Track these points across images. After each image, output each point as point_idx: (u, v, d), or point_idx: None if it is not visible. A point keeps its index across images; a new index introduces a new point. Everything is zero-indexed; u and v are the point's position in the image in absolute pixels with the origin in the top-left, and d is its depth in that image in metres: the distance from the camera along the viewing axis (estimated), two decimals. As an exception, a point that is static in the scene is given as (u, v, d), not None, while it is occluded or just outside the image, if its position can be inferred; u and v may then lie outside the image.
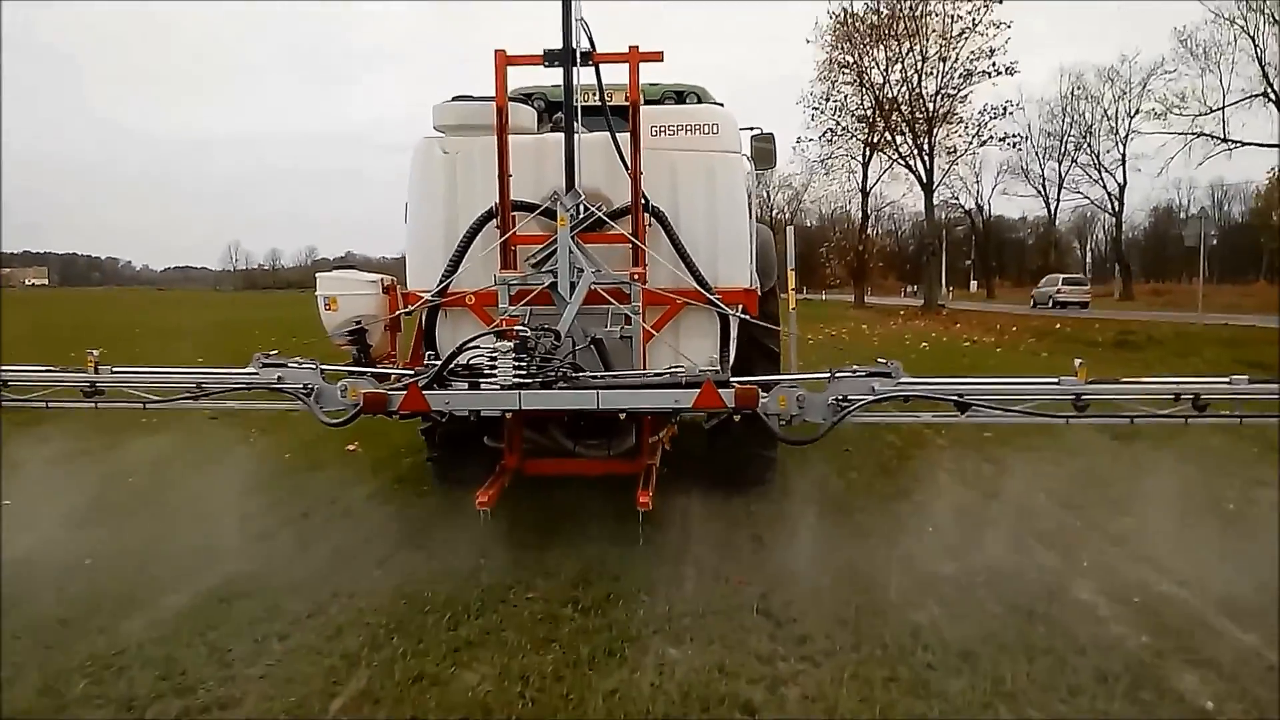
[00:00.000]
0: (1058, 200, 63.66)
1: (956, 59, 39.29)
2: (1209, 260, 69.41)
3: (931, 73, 39.67)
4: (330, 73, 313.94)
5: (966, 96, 40.11)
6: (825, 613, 4.17)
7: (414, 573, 4.73)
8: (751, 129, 6.76)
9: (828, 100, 42.78)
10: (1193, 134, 39.38)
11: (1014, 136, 43.10)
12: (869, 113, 41.78)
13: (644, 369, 4.82)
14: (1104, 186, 56.94)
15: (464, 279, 5.07)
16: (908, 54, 39.94)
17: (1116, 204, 57.37)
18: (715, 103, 6.42)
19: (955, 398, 4.35)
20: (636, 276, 4.84)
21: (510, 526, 5.39)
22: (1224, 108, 37.65)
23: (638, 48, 4.82)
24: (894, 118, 40.44)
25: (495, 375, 4.33)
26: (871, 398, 4.31)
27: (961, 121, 40.38)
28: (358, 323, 5.15)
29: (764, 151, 6.91)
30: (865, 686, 3.49)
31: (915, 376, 4.41)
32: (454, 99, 5.29)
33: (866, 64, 41.01)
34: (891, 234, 75.72)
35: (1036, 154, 58.23)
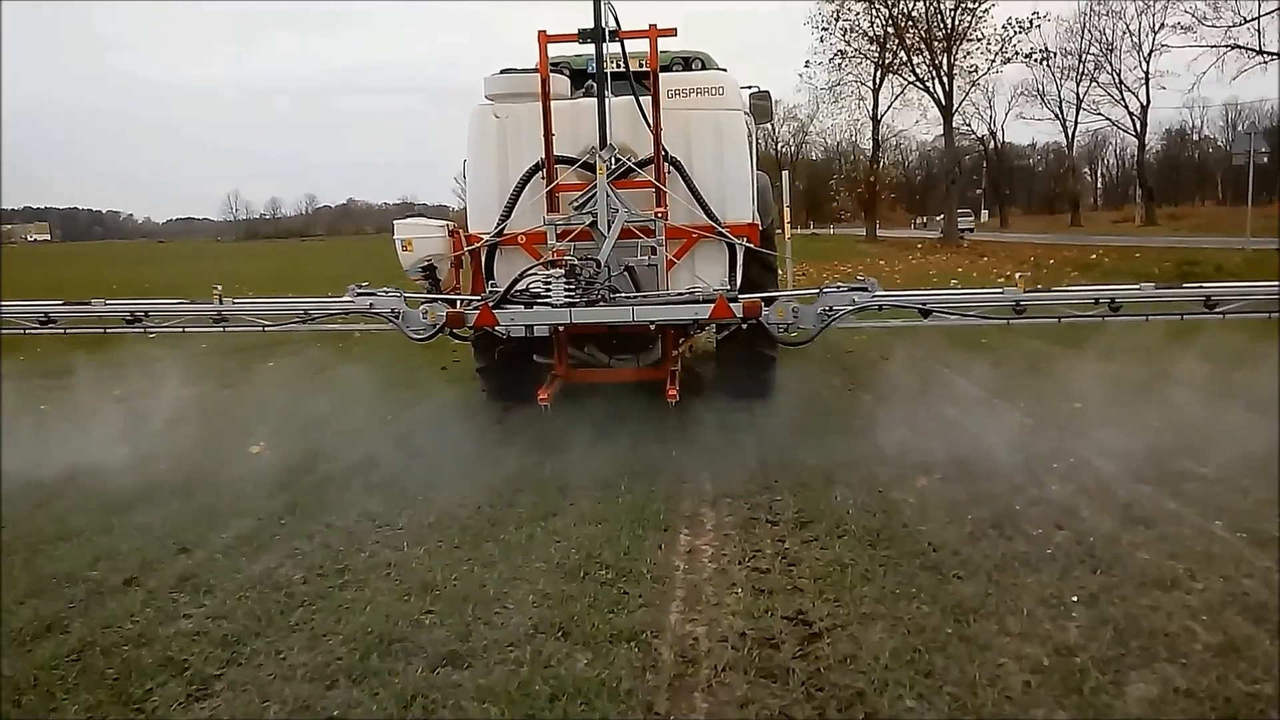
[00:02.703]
0: (1075, 123, 60.47)
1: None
2: (1222, 183, 66.78)
3: (951, -16, 36.83)
4: (326, 20, 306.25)
5: (988, 10, 37.34)
6: None
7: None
8: (750, 88, 7.54)
9: (836, 20, 39.97)
10: (1225, 46, 36.71)
11: (1040, 51, 40.21)
12: (882, 30, 38.99)
13: (668, 290, 5.77)
14: (1125, 106, 53.98)
15: (516, 222, 5.91)
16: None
17: (1139, 124, 54.46)
18: (718, 67, 7.08)
19: (920, 305, 5.41)
20: (660, 215, 5.71)
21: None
22: (1259, 18, 34.90)
23: (656, 25, 5.64)
24: (910, 35, 37.68)
25: (550, 297, 5.34)
26: (852, 307, 5.35)
27: (983, 38, 37.63)
28: (429, 261, 5.96)
29: (761, 107, 7.87)
30: None
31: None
32: (501, 72, 6.27)
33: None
34: (898, 164, 72.89)
35: (1053, 74, 55.04)
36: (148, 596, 3.71)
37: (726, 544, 4.17)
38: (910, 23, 37.55)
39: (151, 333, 5.89)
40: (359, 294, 5.62)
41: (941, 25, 37.11)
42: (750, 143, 6.37)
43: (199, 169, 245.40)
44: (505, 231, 5.92)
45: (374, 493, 5.04)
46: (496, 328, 5.52)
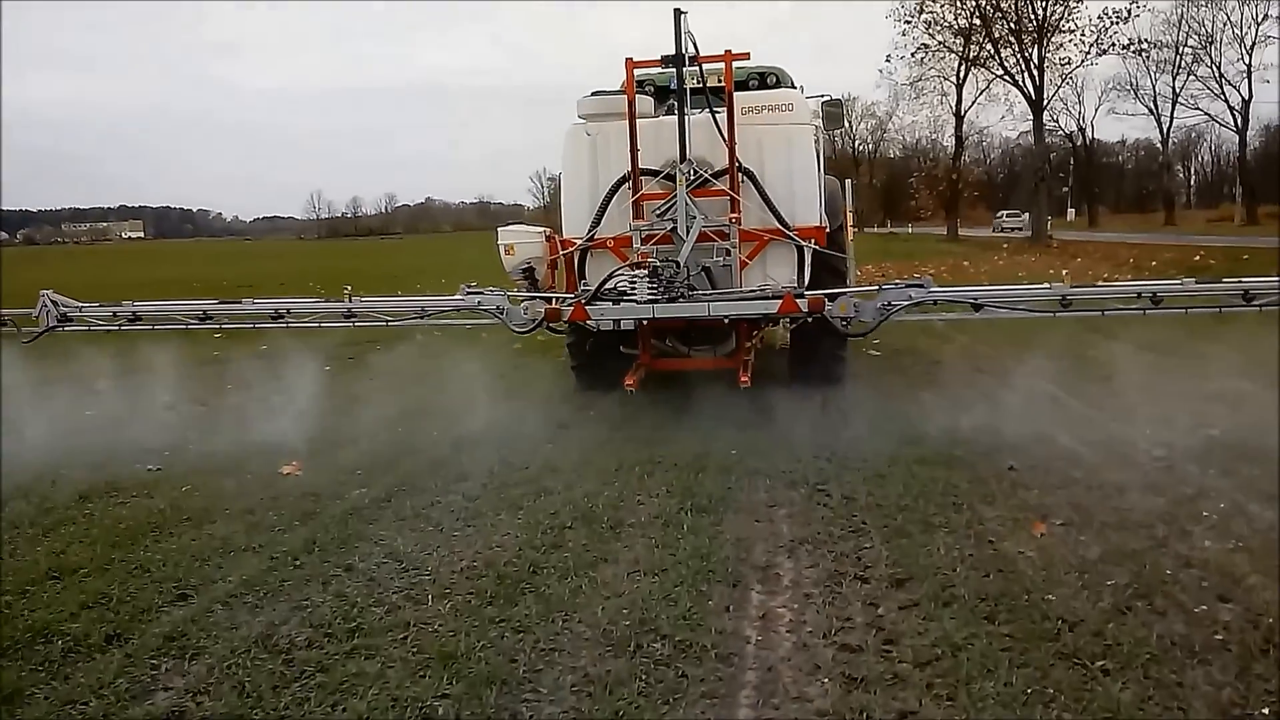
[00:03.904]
0: (1170, 118, 57.69)
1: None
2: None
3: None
4: (407, 27, 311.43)
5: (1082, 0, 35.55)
6: None
7: None
8: (823, 96, 8.15)
9: (920, 13, 38.56)
10: (1340, 35, 34.49)
11: (1138, 42, 38.10)
12: (968, 22, 37.40)
13: (741, 287, 6.28)
14: (1225, 100, 51.18)
15: (605, 228, 6.62)
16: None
17: (1240, 119, 51.61)
18: (792, 83, 7.73)
19: (972, 300, 5.78)
20: (734, 220, 6.36)
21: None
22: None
23: (730, 50, 6.30)
24: (998, 27, 36.08)
25: (635, 295, 5.97)
26: (909, 302, 5.71)
27: (1076, 29, 35.79)
28: (528, 263, 6.66)
29: (833, 114, 8.28)
30: None
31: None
32: (592, 94, 6.89)
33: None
34: (979, 162, 70.62)
35: (1148, 68, 52.49)
36: (125, 660, 3.17)
37: (807, 607, 3.48)
38: (999, 14, 35.96)
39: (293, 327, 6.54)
40: (468, 293, 6.14)
41: (1032, 17, 35.45)
42: (818, 152, 6.96)
43: (284, 168, 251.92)
44: (595, 237, 6.65)
45: (404, 527, 4.48)
46: (588, 322, 6.14)
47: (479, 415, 6.70)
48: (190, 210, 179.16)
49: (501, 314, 6.10)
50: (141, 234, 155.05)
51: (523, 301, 6.16)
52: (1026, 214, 55.13)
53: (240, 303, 6.62)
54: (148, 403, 7.55)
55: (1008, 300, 5.79)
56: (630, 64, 6.38)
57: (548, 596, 3.59)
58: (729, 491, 4.86)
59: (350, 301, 6.31)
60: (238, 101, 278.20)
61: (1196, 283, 5.67)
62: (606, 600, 3.55)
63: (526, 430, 6.37)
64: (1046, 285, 5.77)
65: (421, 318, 6.40)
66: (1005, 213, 62.05)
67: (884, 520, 4.34)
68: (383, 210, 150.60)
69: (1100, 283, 6.17)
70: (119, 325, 6.43)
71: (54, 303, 6.30)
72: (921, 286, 5.74)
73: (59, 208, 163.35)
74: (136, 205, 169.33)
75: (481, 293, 6.15)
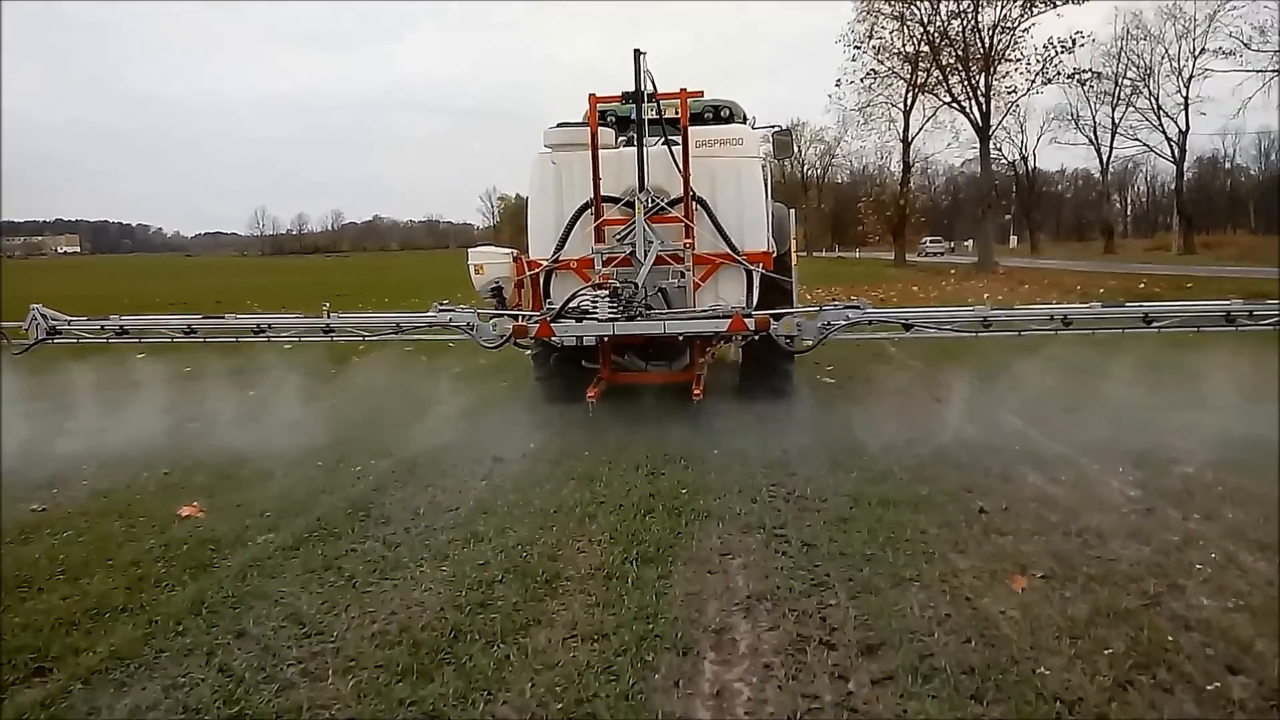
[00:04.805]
0: (1110, 149, 58.99)
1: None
2: (1255, 212, 64.99)
3: (989, 2, 35.50)
4: (353, 39, 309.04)
5: (1029, 29, 35.98)
6: None
7: None
8: (773, 127, 8.73)
9: (869, 38, 38.77)
10: (1273, 71, 35.47)
11: (1083, 72, 38.56)
12: (915, 49, 37.65)
13: (695, 307, 6.79)
14: (1163, 132, 52.33)
15: (569, 251, 7.02)
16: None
17: (1178, 150, 52.78)
18: (745, 115, 8.20)
19: (903, 321, 6.36)
20: (688, 245, 6.82)
21: None
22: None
23: (685, 89, 6.68)
24: (945, 55, 36.35)
25: (596, 314, 6.32)
26: (847, 322, 6.17)
27: (1022, 59, 36.17)
28: (497, 283, 6.99)
29: (783, 143, 8.75)
30: None
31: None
32: (558, 125, 7.31)
33: (911, -5, 36.74)
34: (924, 189, 71.66)
35: (1089, 99, 53.59)
36: None
37: (768, 681, 3.04)
38: (946, 41, 36.23)
39: (273, 342, 6.66)
40: (440, 310, 6.42)
41: (979, 44, 35.77)
42: (767, 182, 7.35)
43: (228, 185, 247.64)
44: (560, 259, 7.00)
45: (312, 581, 3.95)
46: (553, 338, 6.46)
47: (408, 448, 6.21)
48: (129, 225, 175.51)
49: (471, 330, 6.38)
50: (78, 248, 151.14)
51: (491, 318, 6.48)
52: (962, 240, 56.58)
53: (224, 318, 6.89)
54: (44, 429, 6.92)
55: (934, 321, 6.25)
56: (593, 99, 6.74)
57: (469, 670, 3.10)
58: (678, 538, 4.41)
59: (329, 317, 6.50)
60: (177, 116, 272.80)
61: (1103, 306, 6.09)
62: (537, 674, 3.07)
63: (457, 466, 5.86)
64: (970, 307, 6.19)
65: (398, 333, 6.59)
66: (929, 239, 66.85)
67: (849, 572, 3.93)
68: (329, 228, 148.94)
69: (1018, 305, 6.69)
70: (106, 338, 6.62)
71: (43, 316, 6.44)
72: (858, 308, 6.22)
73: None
74: (73, 219, 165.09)
75: (453, 310, 6.42)
